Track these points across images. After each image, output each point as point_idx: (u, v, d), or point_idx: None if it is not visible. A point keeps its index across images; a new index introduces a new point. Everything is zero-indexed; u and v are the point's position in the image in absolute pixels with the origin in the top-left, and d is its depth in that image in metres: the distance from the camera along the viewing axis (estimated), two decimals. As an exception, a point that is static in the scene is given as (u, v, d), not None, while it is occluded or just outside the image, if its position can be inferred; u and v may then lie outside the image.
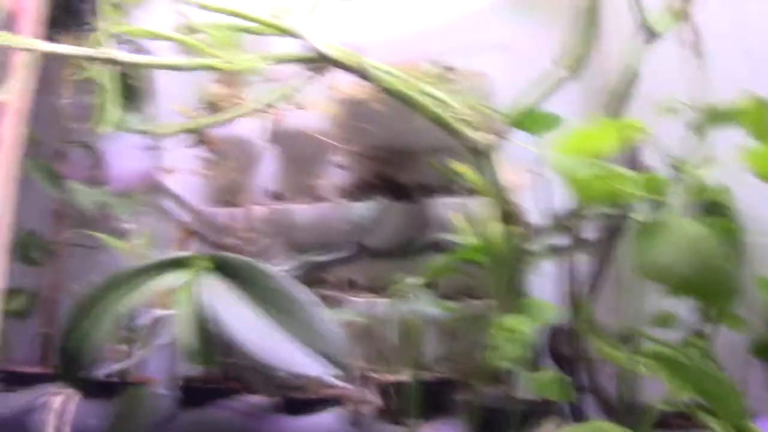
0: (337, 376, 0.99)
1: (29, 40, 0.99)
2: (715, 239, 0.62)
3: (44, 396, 1.19)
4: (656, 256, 0.63)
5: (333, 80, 1.03)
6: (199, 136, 1.16)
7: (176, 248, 1.24)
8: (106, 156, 1.36)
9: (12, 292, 1.20)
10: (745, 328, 0.79)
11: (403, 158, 1.07)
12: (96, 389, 1.11)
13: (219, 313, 0.84)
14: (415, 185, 1.07)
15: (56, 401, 1.15)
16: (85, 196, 1.23)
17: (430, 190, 1.07)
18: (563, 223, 0.84)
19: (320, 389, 1.00)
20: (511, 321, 0.73)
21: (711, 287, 0.62)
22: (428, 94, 0.81)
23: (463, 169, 0.82)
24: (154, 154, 1.31)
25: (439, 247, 1.04)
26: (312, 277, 1.09)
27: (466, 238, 0.85)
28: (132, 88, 1.27)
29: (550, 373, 0.76)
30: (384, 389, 0.94)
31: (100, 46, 0.98)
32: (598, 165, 0.69)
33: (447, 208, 1.03)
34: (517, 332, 0.70)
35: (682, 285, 0.62)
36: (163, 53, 1.13)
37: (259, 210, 1.15)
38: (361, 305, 1.05)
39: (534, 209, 0.85)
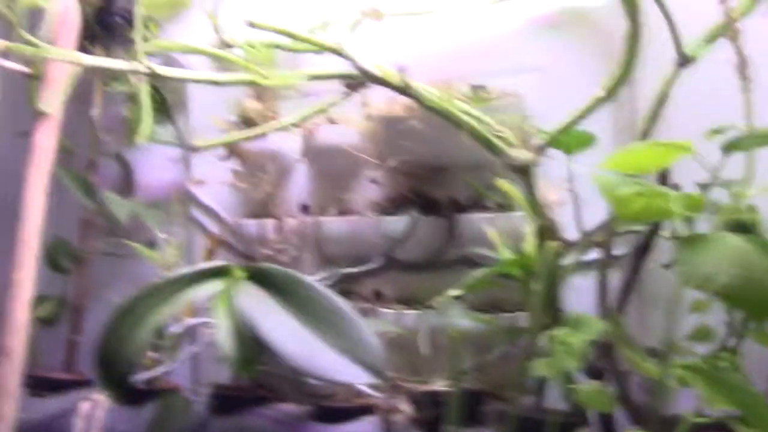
0: (372, 385, 1.02)
1: (74, 54, 1.02)
2: (756, 252, 0.66)
3: (73, 402, 1.21)
4: (701, 266, 0.66)
5: (367, 97, 1.06)
6: (232, 148, 1.18)
7: (205, 259, 1.27)
8: (137, 167, 1.39)
9: (40, 299, 1.22)
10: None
11: (435, 174, 1.10)
12: (127, 396, 1.13)
13: (258, 322, 0.86)
14: (446, 201, 1.10)
15: (86, 407, 1.17)
16: (119, 205, 1.26)
17: (460, 206, 1.09)
18: (596, 239, 0.87)
19: (352, 398, 1.02)
20: (563, 333, 0.75)
21: (754, 296, 0.65)
22: (467, 113, 0.84)
23: (505, 185, 0.85)
24: (184, 166, 1.33)
25: (468, 261, 1.07)
26: (341, 288, 1.11)
27: (503, 252, 0.88)
28: (164, 100, 1.30)
29: (593, 384, 0.78)
30: (416, 399, 0.97)
31: (137, 60, 1.00)
32: (640, 183, 0.72)
33: (477, 223, 1.06)
34: (568, 344, 0.73)
35: (726, 294, 0.65)
36: (195, 67, 1.15)
37: (291, 222, 1.17)
38: (390, 317, 1.07)
39: (568, 225, 0.88)
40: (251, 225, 1.23)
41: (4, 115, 1.06)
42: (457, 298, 0.92)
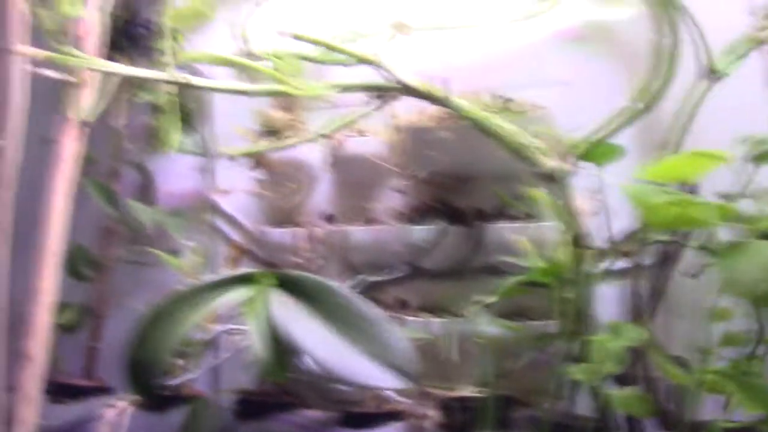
0: (399, 391, 1.03)
1: (105, 62, 1.03)
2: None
3: (93, 409, 1.22)
4: (743, 274, 0.68)
5: (393, 108, 1.08)
6: (259, 158, 1.20)
7: (228, 267, 1.28)
8: (157, 176, 1.40)
9: (62, 306, 1.23)
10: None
11: (460, 184, 1.11)
12: (154, 402, 1.14)
13: (290, 327, 0.86)
14: (471, 210, 1.12)
15: (110, 413, 1.17)
16: (143, 213, 1.27)
17: (485, 215, 1.11)
18: (625, 247, 0.88)
19: (378, 403, 1.03)
20: (601, 339, 0.77)
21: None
22: (501, 124, 0.86)
23: (539, 194, 0.87)
24: (207, 175, 1.35)
25: (492, 270, 1.08)
26: (365, 297, 1.12)
27: (533, 260, 0.90)
28: (188, 110, 1.31)
29: (628, 389, 0.80)
30: (443, 405, 0.98)
31: (164, 69, 1.02)
32: (670, 192, 0.74)
33: (501, 232, 1.07)
34: (608, 350, 0.75)
35: (763, 299, 0.67)
36: (217, 77, 1.16)
37: (316, 231, 1.18)
38: (415, 324, 1.09)
39: (596, 234, 0.89)
40: (275, 233, 1.24)
41: (28, 122, 1.07)
42: (486, 305, 0.94)
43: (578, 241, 0.84)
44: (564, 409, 0.91)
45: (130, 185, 1.40)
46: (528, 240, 0.96)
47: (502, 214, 1.10)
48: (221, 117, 1.34)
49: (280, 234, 1.22)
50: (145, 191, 1.38)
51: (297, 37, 0.89)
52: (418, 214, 1.13)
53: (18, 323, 1.08)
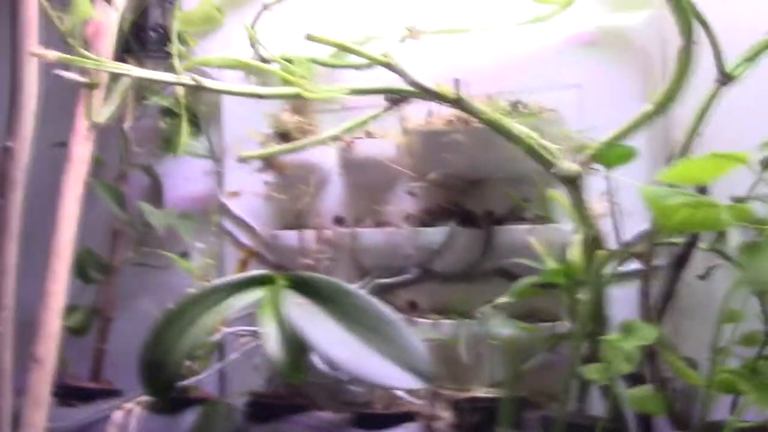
0: (411, 392, 1.03)
1: (120, 65, 1.04)
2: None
3: (101, 411, 1.22)
4: (757, 272, 0.69)
5: (404, 110, 1.09)
6: (270, 161, 1.20)
7: (238, 270, 1.29)
8: (165, 179, 1.41)
9: (70, 309, 1.23)
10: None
11: (472, 186, 1.12)
12: (161, 405, 1.15)
13: (306, 328, 0.86)
14: (483, 212, 1.13)
15: (119, 416, 1.18)
16: (154, 216, 1.28)
17: (496, 218, 1.12)
18: (637, 249, 0.89)
19: (390, 405, 1.04)
20: (616, 339, 0.78)
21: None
22: (516, 127, 0.87)
23: (556, 195, 0.88)
24: (217, 178, 1.35)
25: (503, 272, 1.09)
26: (377, 299, 1.13)
27: (547, 262, 0.90)
28: (197, 112, 1.32)
29: (643, 388, 0.81)
30: (456, 405, 0.99)
31: (179, 73, 1.02)
32: (685, 194, 0.75)
33: (513, 234, 1.08)
34: (622, 350, 0.75)
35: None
36: (226, 81, 1.17)
37: (326, 233, 1.19)
38: (426, 326, 1.09)
39: (609, 236, 0.90)
40: (285, 236, 1.24)
41: (39, 125, 1.07)
42: (498, 307, 0.94)
43: (593, 243, 0.85)
44: (578, 409, 0.92)
45: (138, 188, 1.40)
46: (539, 242, 0.97)
47: (513, 216, 1.11)
48: (231, 120, 1.35)
49: (291, 237, 1.22)
50: (154, 194, 1.39)
51: (311, 38, 0.90)
52: (429, 216, 1.14)
53: (27, 326, 1.08)
